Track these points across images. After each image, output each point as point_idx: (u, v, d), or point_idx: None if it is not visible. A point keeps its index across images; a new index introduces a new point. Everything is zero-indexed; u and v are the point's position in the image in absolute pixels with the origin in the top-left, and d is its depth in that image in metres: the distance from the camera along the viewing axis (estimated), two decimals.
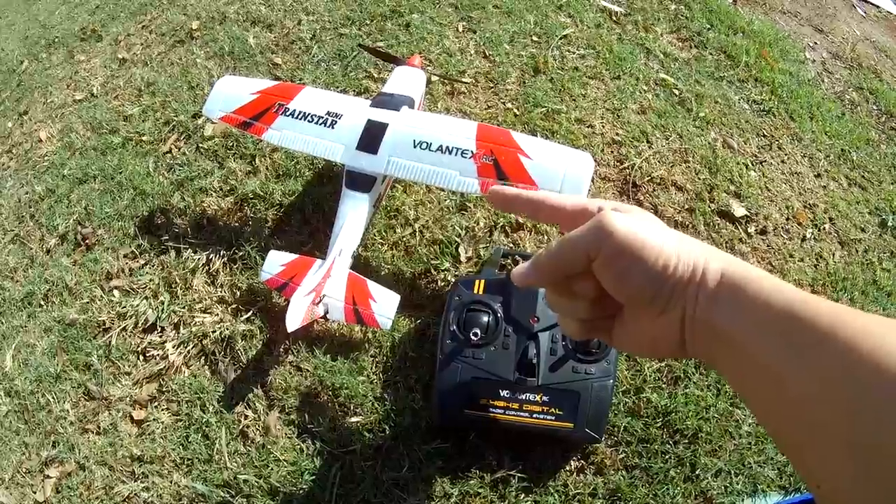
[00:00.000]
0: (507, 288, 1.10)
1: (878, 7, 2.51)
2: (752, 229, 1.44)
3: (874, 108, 1.89)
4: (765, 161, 1.59)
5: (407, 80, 1.35)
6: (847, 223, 1.51)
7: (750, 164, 1.57)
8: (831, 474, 0.33)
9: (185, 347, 1.28)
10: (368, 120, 1.22)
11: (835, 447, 0.32)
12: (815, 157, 1.65)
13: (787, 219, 1.48)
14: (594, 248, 0.40)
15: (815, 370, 0.33)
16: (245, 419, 1.17)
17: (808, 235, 1.46)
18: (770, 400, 0.36)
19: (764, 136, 1.66)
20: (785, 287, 0.36)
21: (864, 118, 1.83)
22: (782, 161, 1.61)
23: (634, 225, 0.40)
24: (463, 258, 1.32)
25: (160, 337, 1.31)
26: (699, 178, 1.50)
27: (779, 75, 1.82)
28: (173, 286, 1.36)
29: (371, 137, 1.21)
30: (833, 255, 1.45)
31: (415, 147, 1.18)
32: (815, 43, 2.10)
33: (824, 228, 1.49)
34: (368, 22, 1.87)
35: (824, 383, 0.32)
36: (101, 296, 1.40)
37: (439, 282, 1.30)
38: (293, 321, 1.02)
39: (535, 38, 1.81)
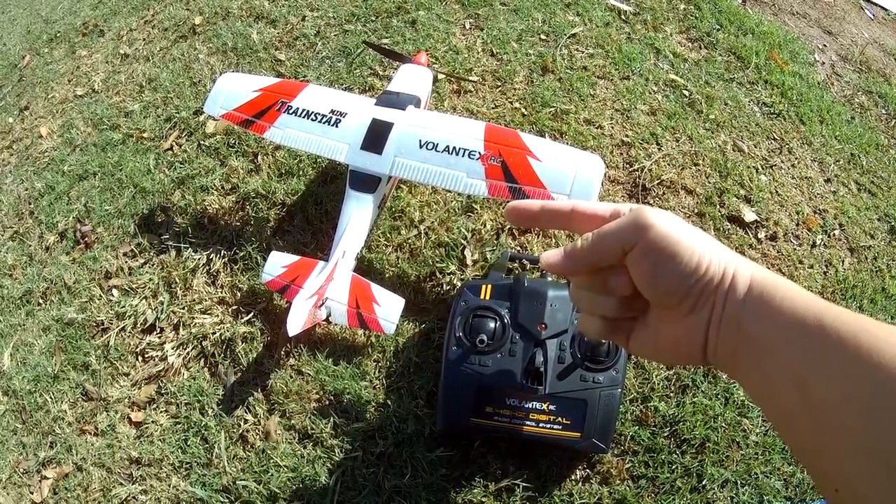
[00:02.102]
0: (514, 293, 1.07)
1: (886, 10, 2.48)
2: (762, 235, 1.41)
3: (883, 112, 1.86)
4: (775, 165, 1.57)
5: (413, 78, 1.33)
6: (856, 230, 1.49)
7: (760, 168, 1.54)
8: (850, 479, 0.33)
9: (185, 349, 1.26)
10: (373, 119, 1.20)
11: (854, 451, 0.32)
12: (825, 161, 1.62)
13: (797, 224, 1.46)
14: (630, 242, 0.40)
15: (837, 375, 0.34)
16: (245, 423, 1.16)
17: (818, 242, 1.44)
18: (791, 404, 0.36)
19: (774, 139, 1.64)
20: (809, 294, 0.37)
21: (874, 122, 1.81)
22: (792, 165, 1.59)
23: (670, 222, 0.40)
24: (469, 261, 1.30)
25: (159, 338, 1.30)
26: (709, 182, 1.48)
27: (788, 78, 1.80)
28: (173, 286, 1.34)
29: (376, 137, 1.18)
30: (842, 262, 1.42)
31: (421, 147, 1.16)
32: (824, 45, 2.07)
33: (834, 235, 1.47)
34: (374, 19, 1.85)
35: (846, 388, 0.33)
36: (100, 295, 1.38)
37: (445, 285, 1.27)
38: (295, 325, 1.00)
39: (542, 37, 1.79)
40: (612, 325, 0.46)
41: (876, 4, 2.45)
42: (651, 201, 1.43)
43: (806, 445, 0.37)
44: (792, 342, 0.36)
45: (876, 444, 0.31)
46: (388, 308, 1.11)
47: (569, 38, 1.78)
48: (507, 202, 0.52)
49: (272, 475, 1.09)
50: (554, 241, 1.34)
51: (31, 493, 1.18)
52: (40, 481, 1.19)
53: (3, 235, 1.61)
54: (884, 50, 2.16)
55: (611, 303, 0.45)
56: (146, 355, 1.28)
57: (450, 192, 1.38)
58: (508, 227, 1.35)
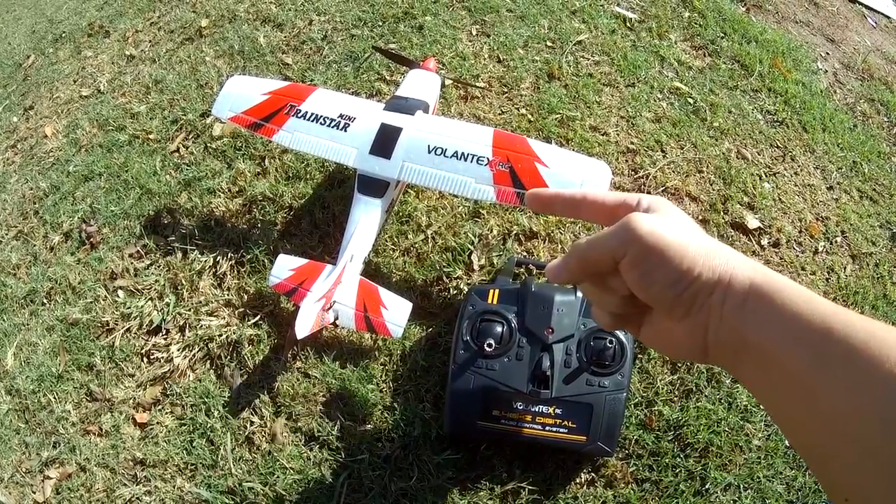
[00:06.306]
0: (521, 298, 1.08)
1: (889, 18, 2.50)
2: (765, 241, 1.42)
3: (885, 119, 1.88)
4: (778, 172, 1.58)
5: (421, 83, 1.34)
6: (858, 236, 1.50)
7: (763, 176, 1.56)
8: (861, 489, 0.32)
9: (191, 351, 1.26)
10: (382, 124, 1.21)
11: (865, 461, 0.31)
12: (828, 168, 1.63)
13: (800, 231, 1.47)
14: (620, 251, 0.40)
15: (847, 383, 0.32)
16: (251, 425, 1.16)
17: (821, 248, 1.45)
18: (799, 412, 0.35)
19: (777, 146, 1.65)
20: (815, 297, 0.35)
21: (876, 130, 1.82)
22: (795, 173, 1.60)
23: (661, 227, 0.39)
24: (476, 266, 1.30)
25: (165, 339, 1.30)
26: (713, 189, 1.49)
27: (792, 85, 1.81)
28: (179, 288, 1.34)
29: (385, 142, 1.19)
30: (844, 268, 1.43)
31: (429, 152, 1.16)
32: (827, 53, 2.09)
33: (836, 241, 1.48)
34: (381, 23, 1.85)
35: (856, 396, 0.32)
36: (105, 296, 1.38)
37: (451, 290, 1.28)
38: (303, 327, 1.00)
39: (549, 44, 1.80)
40: (620, 318, 0.47)
41: (878, 13, 2.47)
42: None
43: (814, 453, 0.35)
44: (796, 349, 0.34)
45: (890, 457, 0.30)
46: (396, 312, 1.12)
47: (574, 45, 1.79)
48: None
49: (278, 477, 1.09)
50: (560, 245, 1.35)
51: (34, 493, 1.18)
52: (43, 481, 1.19)
53: (7, 235, 1.61)
54: (886, 58, 2.17)
55: (615, 300, 0.45)
56: (152, 356, 1.28)
57: (457, 197, 1.39)
58: (515, 232, 1.36)
